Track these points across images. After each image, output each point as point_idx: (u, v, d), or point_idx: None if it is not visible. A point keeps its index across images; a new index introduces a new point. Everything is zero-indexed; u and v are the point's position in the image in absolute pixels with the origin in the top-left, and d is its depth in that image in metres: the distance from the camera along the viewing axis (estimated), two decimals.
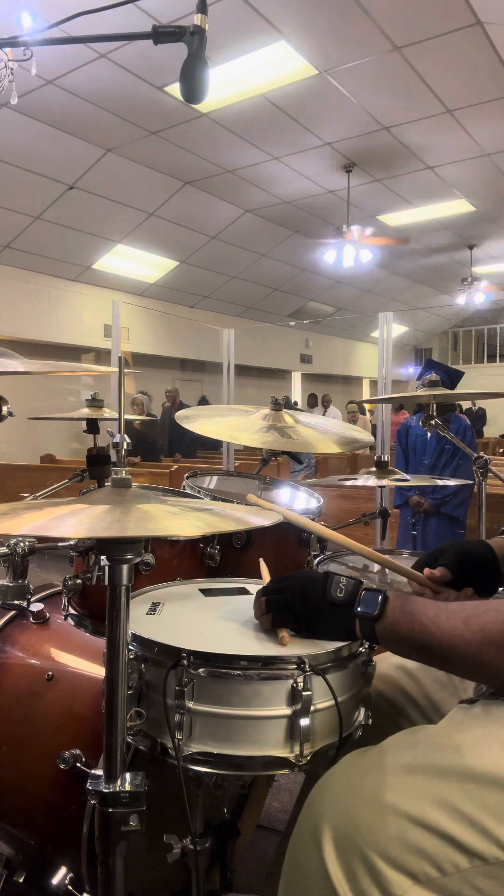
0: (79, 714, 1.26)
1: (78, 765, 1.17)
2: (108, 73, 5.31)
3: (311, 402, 11.31)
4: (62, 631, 1.43)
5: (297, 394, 13.99)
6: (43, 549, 1.58)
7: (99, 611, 1.28)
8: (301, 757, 0.90)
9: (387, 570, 1.60)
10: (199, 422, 1.69)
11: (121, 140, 6.64)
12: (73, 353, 9.47)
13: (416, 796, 0.81)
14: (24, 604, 1.48)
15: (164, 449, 8.38)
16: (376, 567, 1.63)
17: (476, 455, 1.98)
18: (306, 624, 0.98)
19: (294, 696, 0.90)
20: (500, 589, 1.21)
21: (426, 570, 1.16)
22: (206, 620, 1.10)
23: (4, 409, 1.32)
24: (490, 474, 1.98)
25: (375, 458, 1.91)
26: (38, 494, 2.06)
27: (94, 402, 2.15)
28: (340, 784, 0.88)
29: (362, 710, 1.01)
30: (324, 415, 9.64)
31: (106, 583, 0.84)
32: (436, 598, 1.14)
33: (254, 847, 1.74)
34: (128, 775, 0.86)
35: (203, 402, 10.60)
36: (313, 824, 0.86)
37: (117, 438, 0.89)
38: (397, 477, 1.87)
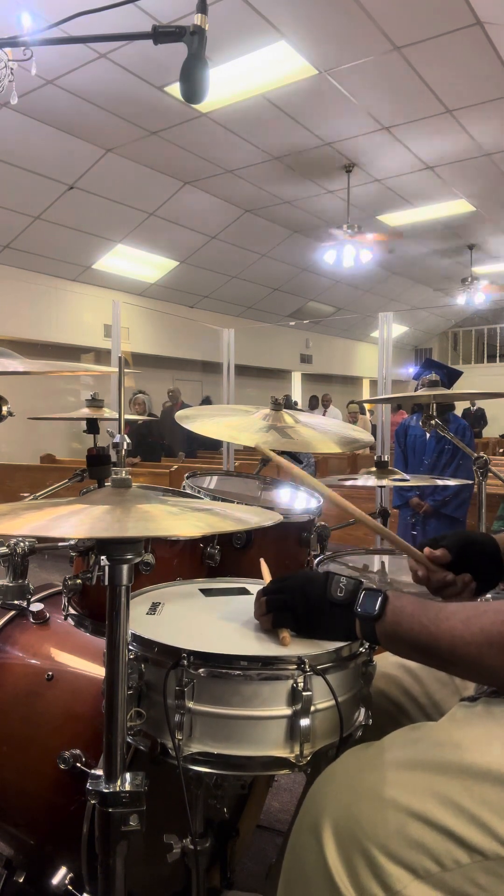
0: (79, 714, 1.26)
1: (78, 765, 1.17)
2: (108, 73, 5.31)
3: (313, 403, 11.31)
4: (62, 631, 1.43)
5: (297, 394, 13.99)
6: (43, 549, 1.58)
7: (99, 611, 1.28)
8: (301, 757, 0.90)
9: (387, 568, 1.60)
10: (199, 422, 1.69)
11: (121, 140, 6.64)
12: (73, 353, 9.47)
13: (416, 791, 0.81)
14: (24, 604, 1.48)
15: (166, 448, 8.39)
16: (376, 567, 1.63)
17: (476, 455, 1.97)
18: (306, 624, 0.98)
19: (294, 697, 0.90)
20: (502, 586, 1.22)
21: (426, 550, 1.16)
22: (206, 620, 1.10)
23: (4, 409, 1.32)
24: (490, 474, 1.98)
25: (375, 458, 1.90)
26: (38, 494, 2.05)
27: (94, 402, 2.15)
28: (341, 779, 0.89)
29: (362, 710, 1.01)
30: (324, 415, 9.64)
31: (106, 583, 0.84)
32: (433, 578, 1.15)
33: (254, 847, 1.74)
34: (128, 775, 0.85)
35: (206, 402, 10.59)
36: (314, 819, 0.86)
37: (117, 438, 0.89)
38: (397, 477, 1.87)
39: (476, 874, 0.76)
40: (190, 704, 0.90)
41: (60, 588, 1.43)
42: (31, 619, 1.45)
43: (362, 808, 0.82)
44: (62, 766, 1.17)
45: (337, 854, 0.81)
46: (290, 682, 0.90)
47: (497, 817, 0.77)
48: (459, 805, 0.78)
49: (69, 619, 1.35)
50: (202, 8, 1.11)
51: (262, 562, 1.23)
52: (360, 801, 0.83)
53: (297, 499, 1.79)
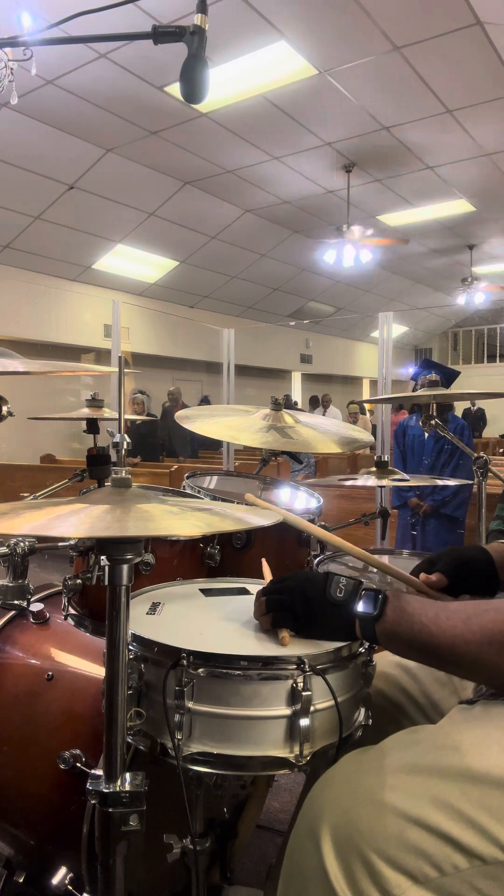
0: (79, 714, 1.26)
1: (78, 765, 1.17)
2: (108, 73, 5.31)
3: (314, 403, 11.31)
4: (62, 631, 1.43)
5: (297, 394, 14.00)
6: (43, 549, 1.58)
7: (99, 611, 1.28)
8: (301, 757, 0.90)
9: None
10: (199, 422, 1.69)
11: (121, 140, 6.64)
12: (73, 353, 9.47)
13: (415, 796, 0.81)
14: (24, 604, 1.48)
15: (167, 449, 8.38)
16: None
17: (476, 455, 1.98)
18: (306, 624, 0.98)
19: (294, 697, 0.90)
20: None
21: (422, 576, 1.16)
22: (206, 620, 1.10)
23: (4, 409, 1.32)
24: (490, 474, 1.98)
25: (375, 458, 1.91)
26: (38, 494, 2.05)
27: (94, 402, 2.15)
28: (340, 783, 0.88)
29: (362, 711, 1.01)
30: (324, 415, 9.64)
31: (106, 583, 0.84)
32: None
33: (254, 847, 1.74)
34: (128, 775, 0.85)
35: (204, 401, 10.60)
36: (312, 823, 0.86)
37: (117, 438, 0.89)
38: (397, 477, 1.87)
39: (475, 879, 0.76)
40: (190, 704, 0.90)
41: (60, 588, 1.43)
42: (31, 619, 1.45)
43: (361, 813, 0.82)
44: (62, 766, 1.17)
45: (335, 859, 0.81)
46: (290, 682, 0.90)
47: (496, 822, 0.76)
48: (458, 809, 0.78)
49: (69, 619, 1.35)
50: (202, 8, 1.11)
51: (264, 562, 1.23)
52: (359, 805, 0.83)
53: (297, 499, 1.79)
